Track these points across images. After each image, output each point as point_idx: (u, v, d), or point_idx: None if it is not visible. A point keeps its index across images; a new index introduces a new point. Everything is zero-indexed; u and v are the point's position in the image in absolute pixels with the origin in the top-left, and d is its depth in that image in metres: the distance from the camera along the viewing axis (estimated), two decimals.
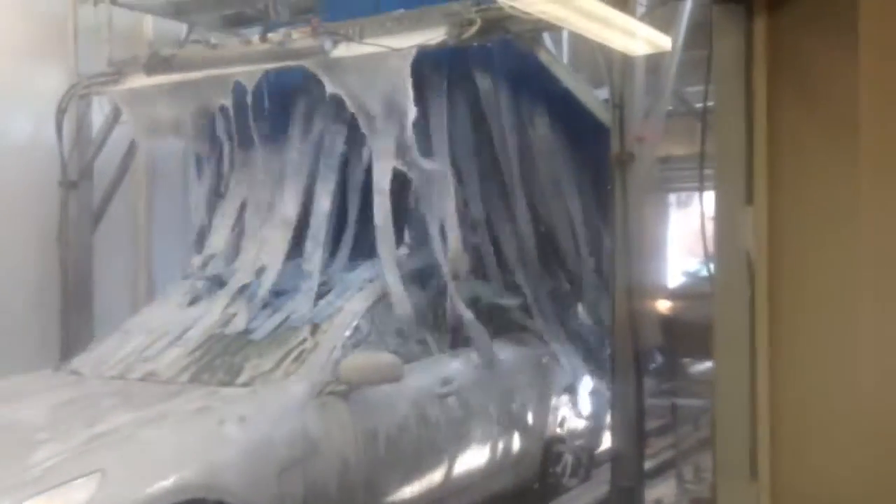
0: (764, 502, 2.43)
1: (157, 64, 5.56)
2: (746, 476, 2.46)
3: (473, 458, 4.89)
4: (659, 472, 5.49)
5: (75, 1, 6.41)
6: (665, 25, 4.58)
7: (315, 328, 4.48)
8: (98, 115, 6.47)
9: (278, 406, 3.98)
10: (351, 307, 4.63)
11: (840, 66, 2.33)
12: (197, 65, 5.49)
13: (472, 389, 4.92)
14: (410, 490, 4.46)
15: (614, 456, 4.73)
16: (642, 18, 4.30)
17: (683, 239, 10.17)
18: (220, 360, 4.46)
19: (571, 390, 5.71)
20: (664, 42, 4.44)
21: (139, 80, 5.86)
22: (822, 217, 2.34)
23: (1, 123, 6.27)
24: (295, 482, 3.85)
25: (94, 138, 6.50)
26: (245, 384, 4.18)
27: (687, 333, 6.55)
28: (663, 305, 6.79)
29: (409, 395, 4.48)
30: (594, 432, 5.87)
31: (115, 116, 6.32)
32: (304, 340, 4.40)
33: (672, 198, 10.68)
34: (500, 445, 5.12)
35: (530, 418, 5.39)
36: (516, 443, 5.24)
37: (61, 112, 6.25)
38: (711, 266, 2.74)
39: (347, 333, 4.45)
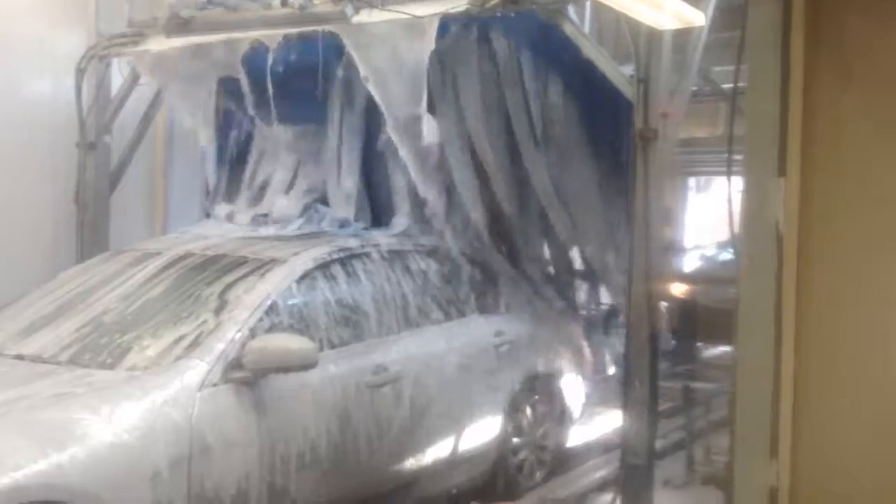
0: (783, 482, 2.39)
1: (176, 26, 5.51)
2: (766, 455, 2.41)
3: (408, 458, 4.46)
4: (669, 452, 5.46)
5: None
6: (694, 2, 4.49)
7: (222, 306, 3.95)
8: (117, 76, 6.43)
9: (161, 394, 3.42)
10: (265, 284, 4.08)
11: (880, 38, 2.26)
12: (216, 27, 5.44)
13: (413, 378, 4.46)
14: (327, 495, 4.02)
15: (625, 434, 4.69)
16: None
17: (701, 223, 10.09)
18: (109, 338, 3.89)
19: (537, 379, 5.31)
20: (694, 16, 4.36)
21: (159, 42, 5.81)
22: (855, 193, 2.28)
23: (20, 83, 6.25)
24: (175, 486, 3.32)
25: (113, 100, 6.45)
26: (131, 368, 3.64)
27: (702, 318, 6.50)
28: (679, 289, 6.73)
29: (329, 385, 4.01)
30: (560, 427, 5.51)
31: (134, 78, 6.28)
32: (205, 321, 3.87)
33: (691, 182, 10.59)
34: (443, 443, 4.66)
35: (482, 411, 4.92)
36: (463, 440, 4.79)
37: (80, 73, 6.20)
38: (737, 246, 2.68)
39: (258, 314, 3.91)
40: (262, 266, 4.23)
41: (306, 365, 3.76)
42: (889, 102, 2.23)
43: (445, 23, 4.93)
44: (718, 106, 7.00)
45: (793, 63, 2.29)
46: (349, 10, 4.89)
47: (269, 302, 3.99)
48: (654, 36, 4.49)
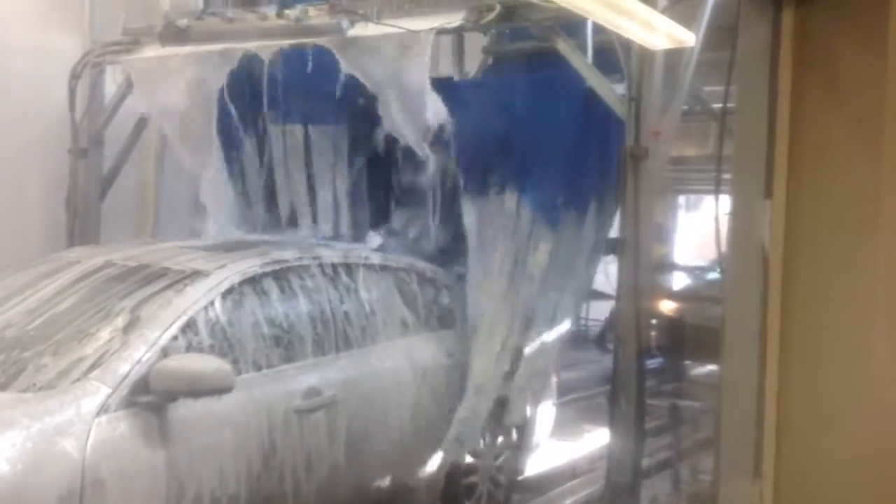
0: (766, 501, 2.40)
1: (172, 34, 5.53)
2: (749, 474, 2.43)
3: (343, 490, 4.09)
4: (656, 470, 5.47)
5: None
6: (686, 22, 4.53)
7: (133, 322, 3.55)
8: (111, 83, 6.44)
9: (51, 421, 3.04)
10: (182, 299, 3.69)
11: (867, 64, 2.29)
12: (212, 37, 5.46)
13: (351, 403, 4.12)
14: None
15: (611, 451, 4.70)
16: (664, 12, 4.26)
17: (690, 241, 10.13)
18: (6, 356, 3.49)
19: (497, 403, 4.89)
20: (685, 37, 4.39)
21: (154, 50, 5.82)
22: (841, 216, 2.30)
23: (13, 88, 6.25)
24: None
25: (106, 107, 6.46)
26: (24, 390, 3.24)
27: (690, 336, 6.53)
28: (668, 307, 6.76)
29: (251, 411, 3.66)
30: (519, 454, 5.14)
31: (128, 85, 6.29)
32: (112, 339, 3.48)
33: (681, 200, 10.65)
34: (384, 473, 4.36)
35: (429, 438, 4.56)
36: (406, 469, 4.49)
37: (74, 79, 6.23)
38: (723, 266, 2.70)
39: (172, 332, 3.53)
40: (183, 279, 3.84)
41: (221, 389, 3.40)
42: (875, 126, 2.26)
43: None
44: (709, 125, 7.06)
45: (780, 86, 2.32)
46: (345, 23, 4.93)
47: (185, 319, 3.61)
48: (646, 55, 4.53)
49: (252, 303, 3.97)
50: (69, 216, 6.39)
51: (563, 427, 5.96)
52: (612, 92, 4.75)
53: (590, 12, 4.08)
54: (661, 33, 4.23)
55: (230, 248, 4.41)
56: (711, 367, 6.10)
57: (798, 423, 2.38)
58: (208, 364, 3.41)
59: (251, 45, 5.40)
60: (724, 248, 2.70)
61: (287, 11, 5.17)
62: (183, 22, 5.49)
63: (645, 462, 4.85)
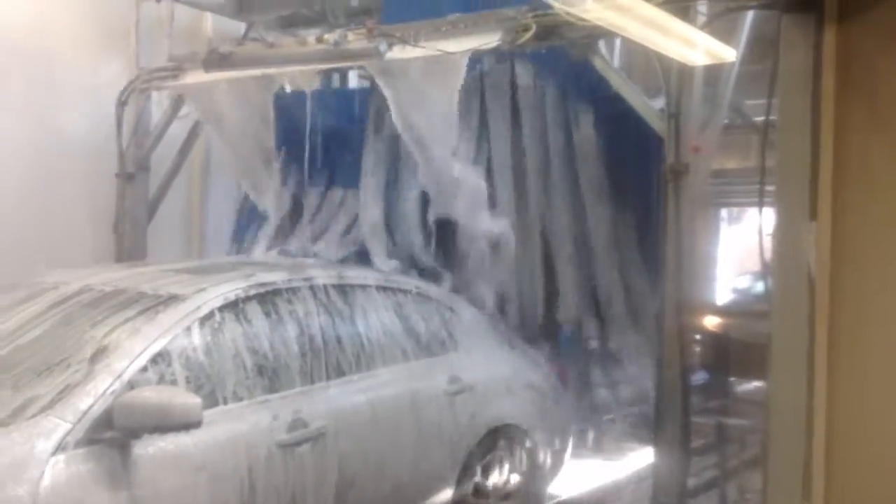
0: None
1: (215, 60, 5.63)
2: (798, 497, 2.39)
3: None
4: (702, 490, 5.38)
5: None
6: (725, 35, 4.51)
7: (100, 352, 3.28)
8: (156, 109, 6.58)
9: (2, 461, 2.82)
10: (153, 326, 3.41)
11: None
12: (254, 62, 5.56)
13: (341, 435, 3.79)
14: None
15: (656, 471, 4.65)
16: (703, 28, 4.24)
17: (734, 255, 10.00)
18: None
19: (501, 431, 4.57)
20: (725, 53, 4.37)
21: (198, 76, 5.95)
22: (887, 237, 2.27)
23: (63, 115, 6.42)
24: None
25: (152, 132, 6.60)
26: None
27: (736, 352, 6.43)
28: (712, 323, 6.67)
29: (228, 447, 3.37)
30: (532, 484, 4.72)
31: (174, 111, 6.42)
32: (77, 371, 3.21)
33: (724, 213, 10.53)
34: None
35: (429, 472, 4.22)
36: None
37: (121, 105, 6.37)
38: (769, 281, 2.67)
39: (140, 363, 3.27)
40: (157, 304, 3.58)
41: (188, 423, 3.13)
42: None
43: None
44: (750, 137, 6.98)
45: (823, 108, 2.30)
46: (383, 46, 4.97)
47: (156, 349, 3.35)
48: (684, 71, 4.51)
49: (233, 329, 3.68)
50: (117, 238, 6.53)
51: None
52: (650, 108, 4.74)
53: (628, 30, 4.09)
54: (700, 49, 4.22)
55: (217, 270, 4.17)
56: (757, 384, 6.01)
57: (848, 443, 2.35)
58: (174, 397, 3.16)
59: (292, 70, 5.50)
60: (768, 263, 2.68)
61: (326, 36, 5.26)
62: (226, 48, 5.60)
63: (690, 482, 4.79)
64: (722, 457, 5.50)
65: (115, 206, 6.52)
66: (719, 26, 4.49)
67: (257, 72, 5.60)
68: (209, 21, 6.88)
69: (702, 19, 4.40)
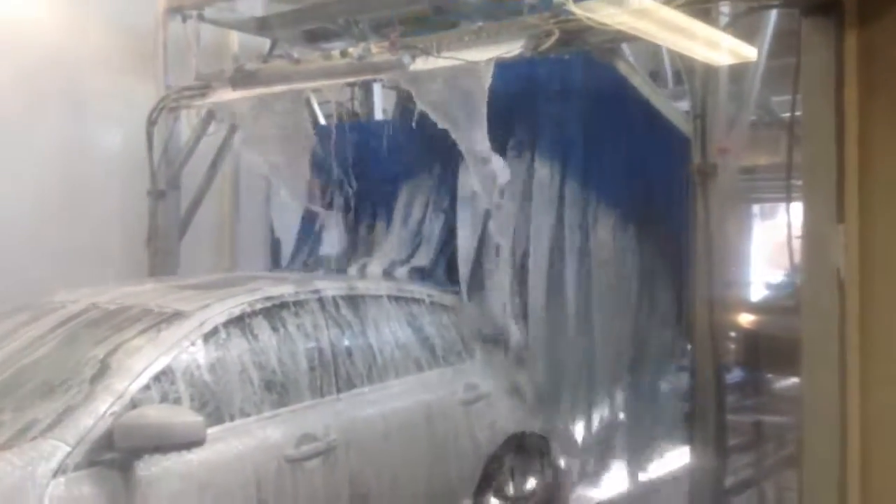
0: None
1: (242, 78, 5.71)
2: (834, 500, 2.39)
3: None
4: (740, 489, 5.35)
5: (164, 16, 6.64)
6: (749, 33, 4.49)
7: (101, 371, 3.25)
8: (185, 126, 6.68)
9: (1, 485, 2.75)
10: (156, 345, 3.38)
11: None
12: (280, 79, 5.62)
13: (352, 448, 3.73)
14: None
15: (694, 471, 4.63)
16: (726, 29, 4.23)
17: (767, 250, 9.92)
18: None
19: (521, 439, 4.49)
20: (748, 52, 4.36)
21: (225, 94, 6.03)
22: None
23: (94, 134, 6.56)
24: None
25: (182, 149, 6.70)
26: None
27: (771, 348, 6.39)
28: (746, 319, 6.62)
29: (235, 464, 3.33)
30: (556, 493, 4.62)
31: (203, 128, 6.52)
32: (78, 391, 3.17)
33: (755, 208, 10.44)
34: None
35: (445, 483, 4.13)
36: None
37: (151, 124, 6.47)
38: (798, 278, 2.67)
39: (143, 381, 3.23)
40: (161, 321, 3.54)
41: (191, 442, 3.09)
42: None
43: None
44: (779, 133, 6.92)
45: (847, 110, 2.30)
46: (406, 58, 5.01)
47: (159, 367, 3.31)
48: (709, 72, 4.50)
49: (239, 344, 3.64)
50: (150, 255, 6.64)
51: None
52: (675, 110, 4.73)
53: (651, 34, 4.09)
54: (724, 50, 4.21)
55: (226, 284, 4.12)
56: (793, 380, 5.96)
57: (883, 450, 2.34)
58: (175, 416, 3.12)
59: (317, 85, 5.56)
60: (797, 260, 2.67)
61: (350, 49, 5.31)
62: (252, 65, 5.68)
63: (728, 480, 4.76)
64: (759, 455, 5.47)
65: (148, 222, 6.64)
66: (743, 23, 4.47)
67: (283, 88, 5.68)
68: (234, 38, 6.98)
69: (724, 19, 4.39)
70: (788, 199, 2.86)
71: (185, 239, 6.81)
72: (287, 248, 6.30)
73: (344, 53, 5.30)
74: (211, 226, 7.17)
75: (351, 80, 5.40)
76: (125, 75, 6.73)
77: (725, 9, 4.37)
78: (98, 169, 6.52)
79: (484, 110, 4.98)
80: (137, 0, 6.68)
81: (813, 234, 2.40)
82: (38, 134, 6.17)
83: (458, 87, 5.08)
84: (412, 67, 5.10)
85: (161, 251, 6.65)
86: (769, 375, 6.88)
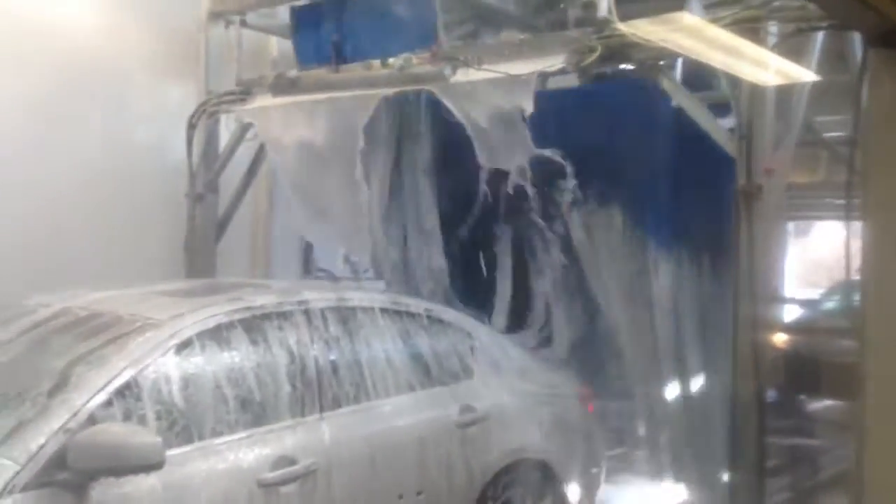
0: None
1: (282, 85, 5.75)
2: None
3: None
4: None
5: (206, 21, 6.69)
6: (796, 52, 4.44)
7: (61, 384, 3.02)
8: (224, 131, 6.72)
9: None
10: (120, 356, 3.13)
11: None
12: (320, 87, 5.65)
13: (334, 473, 3.48)
14: None
15: (733, 493, 4.58)
16: (774, 49, 4.18)
17: (801, 269, 9.80)
18: None
19: (521, 465, 4.22)
20: (797, 73, 4.31)
21: (265, 100, 6.06)
22: None
23: (134, 136, 6.62)
24: None
25: (221, 154, 6.74)
26: None
27: (806, 369, 6.30)
28: (781, 340, 6.54)
29: (202, 489, 3.08)
30: None
31: (242, 133, 6.56)
32: (33, 405, 2.96)
33: (790, 226, 10.34)
34: None
35: None
36: None
37: (191, 128, 6.51)
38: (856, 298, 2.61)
39: (103, 396, 2.99)
40: (130, 331, 3.29)
41: (147, 465, 2.86)
42: None
43: None
44: (819, 153, 6.85)
45: None
46: (447, 70, 5.01)
47: (122, 380, 3.06)
48: (755, 91, 4.45)
49: (214, 358, 3.39)
50: (188, 257, 6.68)
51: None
52: (720, 130, 4.69)
53: (698, 52, 4.07)
54: (772, 70, 4.17)
55: (208, 292, 3.92)
56: (830, 403, 5.88)
57: None
58: (131, 436, 2.90)
59: (357, 94, 5.56)
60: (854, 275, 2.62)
61: (391, 60, 5.31)
62: (292, 73, 5.71)
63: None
64: (796, 478, 5.41)
65: (186, 225, 6.69)
66: (790, 42, 4.42)
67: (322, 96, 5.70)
68: (274, 44, 7.01)
69: (772, 39, 4.34)
70: (848, 217, 2.78)
71: (221, 242, 6.85)
72: (319, 254, 6.33)
73: (384, 64, 5.31)
74: (247, 230, 7.21)
75: (391, 89, 5.39)
76: (167, 78, 6.79)
77: (774, 29, 4.33)
78: (139, 171, 6.57)
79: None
80: (180, 4, 6.72)
81: (876, 275, 2.34)
82: (80, 135, 6.22)
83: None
84: (453, 80, 5.10)
85: (198, 254, 6.70)
86: (802, 397, 6.79)
